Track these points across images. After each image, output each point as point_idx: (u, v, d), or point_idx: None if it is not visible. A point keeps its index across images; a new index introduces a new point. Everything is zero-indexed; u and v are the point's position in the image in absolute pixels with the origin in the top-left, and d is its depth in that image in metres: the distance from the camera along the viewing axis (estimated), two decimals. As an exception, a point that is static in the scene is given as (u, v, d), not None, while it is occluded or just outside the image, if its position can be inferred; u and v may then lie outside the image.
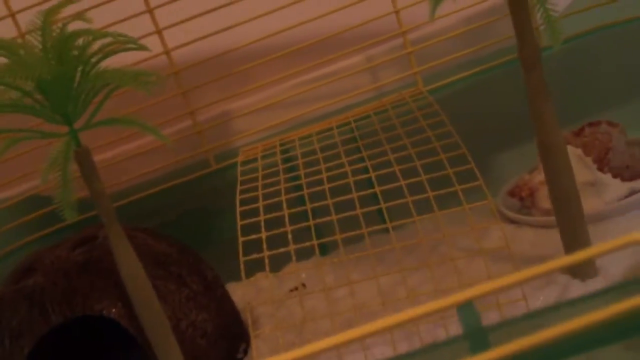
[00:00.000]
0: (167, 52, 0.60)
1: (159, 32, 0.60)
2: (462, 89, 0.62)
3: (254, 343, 0.45)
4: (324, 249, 0.58)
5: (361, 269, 0.53)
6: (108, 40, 0.37)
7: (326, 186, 0.47)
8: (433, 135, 0.48)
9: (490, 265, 0.46)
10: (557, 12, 0.38)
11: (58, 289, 0.44)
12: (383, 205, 0.44)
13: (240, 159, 0.55)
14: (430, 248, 0.54)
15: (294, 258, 0.43)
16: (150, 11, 0.59)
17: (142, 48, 0.39)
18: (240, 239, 0.43)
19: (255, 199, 0.46)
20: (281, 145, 0.56)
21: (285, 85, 0.64)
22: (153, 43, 0.59)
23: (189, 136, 0.62)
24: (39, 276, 0.45)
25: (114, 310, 0.43)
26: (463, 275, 0.48)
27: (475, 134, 0.56)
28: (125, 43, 0.38)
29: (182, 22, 0.60)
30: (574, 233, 0.42)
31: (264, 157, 0.54)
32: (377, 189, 0.44)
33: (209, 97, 0.63)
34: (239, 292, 0.59)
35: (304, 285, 0.58)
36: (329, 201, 0.45)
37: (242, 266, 0.41)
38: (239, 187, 0.48)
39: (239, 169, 0.52)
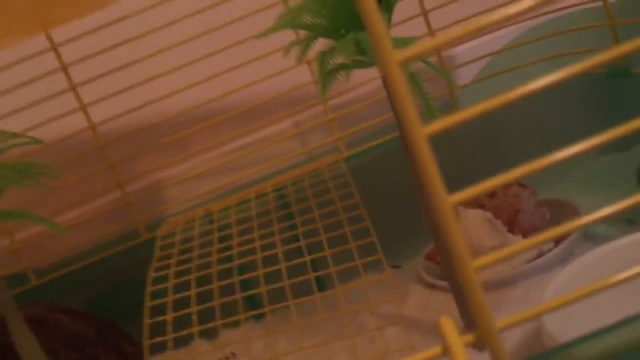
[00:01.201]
0: (92, 127, 0.61)
1: (83, 108, 0.61)
2: (383, 154, 0.63)
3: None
4: (261, 316, 0.59)
5: (289, 336, 0.54)
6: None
7: (256, 254, 0.47)
8: (341, 208, 0.49)
9: (406, 331, 0.47)
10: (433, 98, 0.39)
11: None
12: (311, 275, 0.45)
13: (160, 232, 0.55)
14: (352, 314, 0.54)
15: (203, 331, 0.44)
16: (73, 88, 0.60)
17: (35, 142, 0.40)
18: (146, 321, 0.43)
19: (166, 278, 0.47)
20: (202, 217, 0.57)
21: (215, 152, 0.66)
22: (79, 117, 0.61)
23: (119, 207, 0.63)
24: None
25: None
26: (378, 343, 0.48)
27: (398, 196, 0.58)
28: (13, 139, 0.39)
29: (107, 97, 0.61)
30: (466, 301, 0.43)
31: (183, 230, 0.55)
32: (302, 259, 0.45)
33: (138, 166, 0.65)
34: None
35: (233, 354, 0.59)
36: (259, 272, 0.46)
37: (145, 352, 0.42)
38: (153, 264, 0.49)
39: (158, 243, 0.53)
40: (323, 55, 0.40)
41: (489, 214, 0.53)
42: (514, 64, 0.60)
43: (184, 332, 0.43)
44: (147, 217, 0.63)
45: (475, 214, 0.53)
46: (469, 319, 0.43)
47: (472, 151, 0.62)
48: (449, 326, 0.17)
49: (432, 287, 0.55)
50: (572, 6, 0.56)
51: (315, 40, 0.41)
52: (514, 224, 0.54)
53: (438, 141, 0.21)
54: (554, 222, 0.55)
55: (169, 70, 0.60)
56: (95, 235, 0.63)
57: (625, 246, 0.41)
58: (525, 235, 0.54)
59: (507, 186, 0.56)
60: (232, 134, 0.64)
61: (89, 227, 0.63)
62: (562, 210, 0.55)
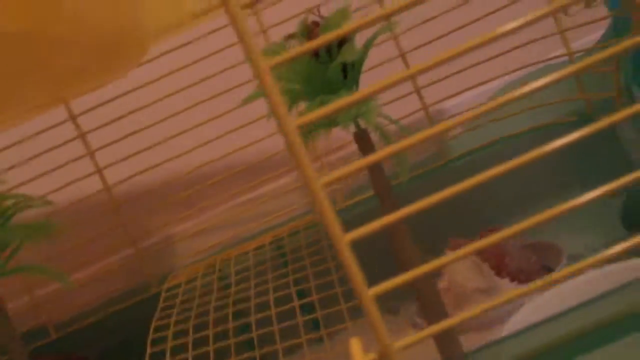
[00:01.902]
0: (107, 189, 0.66)
1: (99, 171, 0.66)
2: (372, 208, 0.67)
3: None
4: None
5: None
6: (11, 201, 0.43)
7: (252, 302, 0.51)
8: (333, 266, 0.52)
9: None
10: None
11: None
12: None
13: (165, 286, 0.59)
14: None
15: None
16: (91, 154, 0.66)
17: (46, 203, 0.44)
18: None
19: (167, 326, 0.50)
20: (205, 269, 0.61)
21: (221, 208, 0.70)
22: (95, 180, 0.66)
23: (132, 262, 0.67)
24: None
25: None
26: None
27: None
28: (30, 201, 0.43)
29: (120, 161, 0.66)
30: (446, 342, 0.45)
31: (188, 281, 0.59)
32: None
33: (149, 223, 0.69)
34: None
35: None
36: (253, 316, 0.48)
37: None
38: (156, 317, 0.52)
39: (163, 295, 0.56)
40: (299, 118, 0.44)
41: (476, 258, 0.56)
42: (497, 115, 0.64)
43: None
44: (159, 271, 0.67)
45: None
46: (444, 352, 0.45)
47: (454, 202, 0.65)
48: (356, 346, 0.20)
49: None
50: (542, 61, 0.59)
51: (293, 105, 0.45)
52: (501, 267, 0.56)
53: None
54: (539, 263, 0.57)
55: (177, 132, 0.66)
56: (110, 289, 0.67)
57: (594, 277, 0.43)
58: (513, 277, 0.56)
59: (494, 231, 0.59)
60: (237, 189, 0.69)
61: (105, 282, 0.67)
62: (546, 252, 0.57)
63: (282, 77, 0.42)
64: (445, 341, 0.46)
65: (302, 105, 0.45)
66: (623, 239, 0.63)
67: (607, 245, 0.64)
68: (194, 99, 0.66)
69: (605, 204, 0.64)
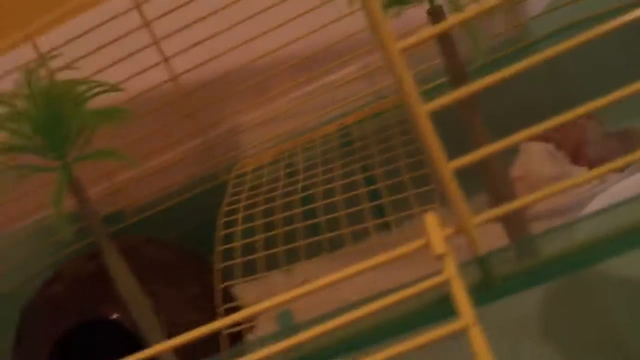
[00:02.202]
0: (173, 79, 0.67)
1: (165, 60, 0.66)
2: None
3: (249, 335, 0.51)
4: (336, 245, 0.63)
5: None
6: (84, 87, 0.43)
7: (320, 189, 0.51)
8: (402, 153, 0.51)
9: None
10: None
11: (74, 296, 0.52)
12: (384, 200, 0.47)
13: (233, 174, 0.60)
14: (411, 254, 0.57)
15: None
16: (156, 42, 0.66)
17: (116, 89, 0.45)
18: (219, 248, 0.48)
19: (237, 211, 0.52)
20: (273, 157, 0.61)
21: (287, 97, 0.69)
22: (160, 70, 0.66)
23: (202, 151, 0.69)
24: (60, 285, 0.53)
25: (116, 315, 0.50)
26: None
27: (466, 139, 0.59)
28: (102, 87, 0.44)
29: (186, 50, 0.66)
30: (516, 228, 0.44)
31: (255, 169, 0.59)
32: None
33: (216, 111, 0.70)
34: (252, 291, 0.65)
35: (307, 282, 0.63)
36: (321, 202, 0.49)
37: (217, 276, 0.47)
38: (225, 202, 0.54)
39: (231, 182, 0.57)
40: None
41: (550, 146, 0.53)
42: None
43: (252, 257, 0.47)
44: (226, 159, 0.68)
45: (536, 146, 0.53)
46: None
47: (535, 92, 0.61)
48: (432, 220, 0.19)
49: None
50: None
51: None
52: (579, 155, 0.54)
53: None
54: (623, 152, 0.54)
55: (242, 20, 0.64)
56: (181, 177, 0.69)
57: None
58: (592, 166, 0.53)
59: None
60: (303, 78, 0.67)
61: (176, 170, 0.69)
62: (632, 140, 0.54)
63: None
64: (516, 227, 0.45)
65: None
66: None
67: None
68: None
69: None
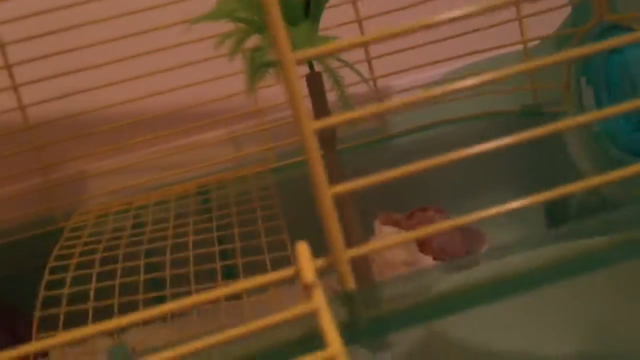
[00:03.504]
0: (21, 108, 0.61)
1: (15, 87, 0.60)
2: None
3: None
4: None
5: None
6: None
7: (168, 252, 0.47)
8: (260, 217, 0.50)
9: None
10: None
11: None
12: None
13: (71, 221, 0.55)
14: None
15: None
16: (9, 67, 0.60)
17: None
18: (43, 293, 0.42)
19: (70, 256, 0.46)
20: (119, 208, 0.57)
21: (145, 149, 0.66)
22: (8, 97, 0.60)
23: (39, 191, 0.62)
24: None
25: None
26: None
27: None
28: None
29: (41, 80, 0.61)
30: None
31: (96, 224, 0.54)
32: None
33: (64, 153, 0.64)
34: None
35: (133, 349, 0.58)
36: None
37: (35, 323, 0.41)
38: (59, 245, 0.48)
39: (69, 226, 0.52)
40: (253, 51, 0.41)
41: (402, 232, 0.55)
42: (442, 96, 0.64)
43: (77, 307, 0.42)
44: (66, 204, 0.62)
45: (389, 230, 0.55)
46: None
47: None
48: (304, 250, 0.18)
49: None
50: (495, 48, 0.59)
51: (249, 36, 0.43)
52: (426, 245, 0.56)
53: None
54: (464, 247, 0.57)
55: (107, 62, 0.61)
56: (10, 216, 0.61)
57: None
58: (435, 256, 0.56)
59: (424, 210, 0.58)
60: (164, 133, 0.64)
61: (6, 208, 0.61)
62: (471, 237, 0.58)
63: (236, 6, 0.39)
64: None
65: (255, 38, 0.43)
66: (544, 230, 0.64)
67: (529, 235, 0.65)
68: (132, 29, 0.61)
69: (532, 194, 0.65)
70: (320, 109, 0.41)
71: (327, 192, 0.18)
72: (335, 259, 0.18)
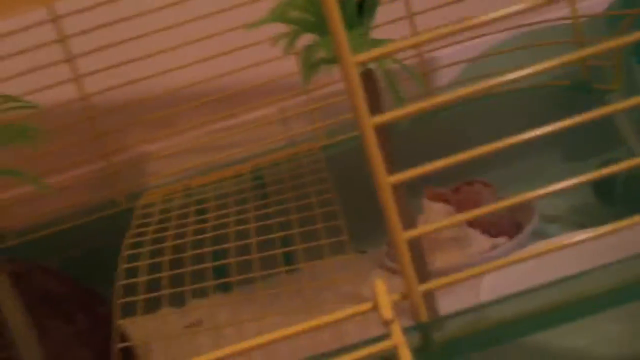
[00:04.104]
0: (84, 99, 0.64)
1: (77, 78, 0.63)
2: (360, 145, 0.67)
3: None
4: (228, 287, 0.62)
5: (254, 309, 0.57)
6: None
7: (221, 230, 0.50)
8: (313, 192, 0.52)
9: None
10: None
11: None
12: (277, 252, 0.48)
13: (140, 203, 0.58)
14: (315, 291, 0.58)
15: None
16: (71, 59, 0.63)
17: (30, 107, 0.42)
18: (119, 282, 0.46)
19: (142, 244, 0.50)
20: (183, 190, 0.60)
21: (199, 131, 0.68)
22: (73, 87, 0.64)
23: (103, 175, 0.66)
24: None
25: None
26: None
27: (371, 186, 0.61)
28: (10, 102, 0.41)
29: (101, 70, 0.63)
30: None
31: (165, 201, 0.58)
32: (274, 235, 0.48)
33: (125, 138, 0.67)
34: (141, 327, 0.62)
35: (199, 321, 0.62)
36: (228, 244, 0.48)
37: (116, 312, 0.45)
38: (130, 231, 0.52)
39: (137, 213, 0.55)
40: (308, 49, 0.43)
41: (451, 208, 0.57)
42: (489, 71, 0.64)
43: (155, 295, 0.46)
44: (128, 187, 0.66)
45: (438, 207, 0.57)
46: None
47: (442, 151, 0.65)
48: (381, 287, 0.20)
49: (393, 271, 0.59)
50: (546, 21, 0.59)
51: (301, 35, 0.44)
52: (474, 219, 0.57)
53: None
54: (511, 219, 0.59)
55: (162, 49, 0.63)
56: (78, 200, 0.65)
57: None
58: (483, 229, 0.57)
59: (471, 184, 0.60)
60: (217, 115, 0.67)
61: (73, 193, 0.65)
62: (519, 208, 0.59)
63: (297, 6, 0.41)
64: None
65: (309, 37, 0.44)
66: (591, 203, 0.65)
67: (577, 207, 0.66)
68: (184, 17, 0.63)
69: (580, 173, 0.66)
70: (375, 105, 0.43)
71: (387, 182, 0.20)
72: (409, 292, 0.20)
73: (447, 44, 0.66)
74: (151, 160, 0.67)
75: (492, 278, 0.43)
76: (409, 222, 0.46)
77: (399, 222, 0.20)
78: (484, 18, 0.27)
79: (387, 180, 0.20)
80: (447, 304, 0.49)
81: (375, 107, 0.44)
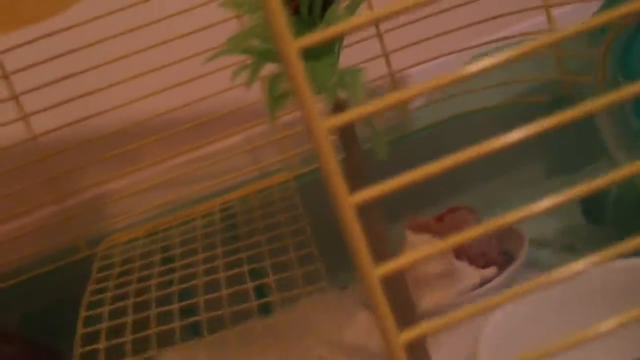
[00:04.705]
0: (33, 138, 0.59)
1: (24, 117, 0.59)
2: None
3: None
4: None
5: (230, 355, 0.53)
6: None
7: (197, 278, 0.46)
8: (287, 232, 0.49)
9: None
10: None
11: None
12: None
13: (100, 251, 0.54)
14: (295, 340, 0.54)
15: None
16: (15, 97, 0.58)
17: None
18: (77, 351, 0.41)
19: (102, 302, 0.45)
20: (147, 235, 0.56)
21: (162, 167, 0.64)
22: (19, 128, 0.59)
23: (59, 221, 0.61)
24: None
25: None
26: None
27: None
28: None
29: (50, 108, 0.59)
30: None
31: (128, 248, 0.53)
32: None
33: (81, 179, 0.62)
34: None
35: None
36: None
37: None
38: (89, 287, 0.47)
39: (96, 264, 0.51)
40: (273, 80, 0.39)
41: (435, 239, 0.53)
42: (466, 88, 0.61)
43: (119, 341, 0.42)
44: (88, 232, 0.61)
45: (421, 239, 0.53)
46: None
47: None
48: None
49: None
50: (523, 34, 0.57)
51: (263, 65, 0.40)
52: (461, 250, 0.54)
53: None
54: (499, 247, 0.55)
55: (116, 82, 0.59)
56: (35, 249, 0.60)
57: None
58: (471, 261, 0.54)
59: (454, 210, 0.56)
60: (181, 149, 0.63)
61: (26, 242, 0.60)
62: (507, 236, 0.56)
63: (257, 34, 0.37)
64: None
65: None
66: (580, 224, 0.62)
67: (566, 229, 0.63)
68: (137, 46, 0.59)
69: (566, 189, 0.63)
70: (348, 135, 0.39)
71: (348, 202, 0.16)
72: (388, 345, 0.16)
73: (420, 62, 0.63)
74: (112, 201, 0.63)
75: (492, 324, 0.39)
76: (386, 255, 0.42)
77: (367, 254, 0.16)
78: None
79: (348, 201, 0.16)
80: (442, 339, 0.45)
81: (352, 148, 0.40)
